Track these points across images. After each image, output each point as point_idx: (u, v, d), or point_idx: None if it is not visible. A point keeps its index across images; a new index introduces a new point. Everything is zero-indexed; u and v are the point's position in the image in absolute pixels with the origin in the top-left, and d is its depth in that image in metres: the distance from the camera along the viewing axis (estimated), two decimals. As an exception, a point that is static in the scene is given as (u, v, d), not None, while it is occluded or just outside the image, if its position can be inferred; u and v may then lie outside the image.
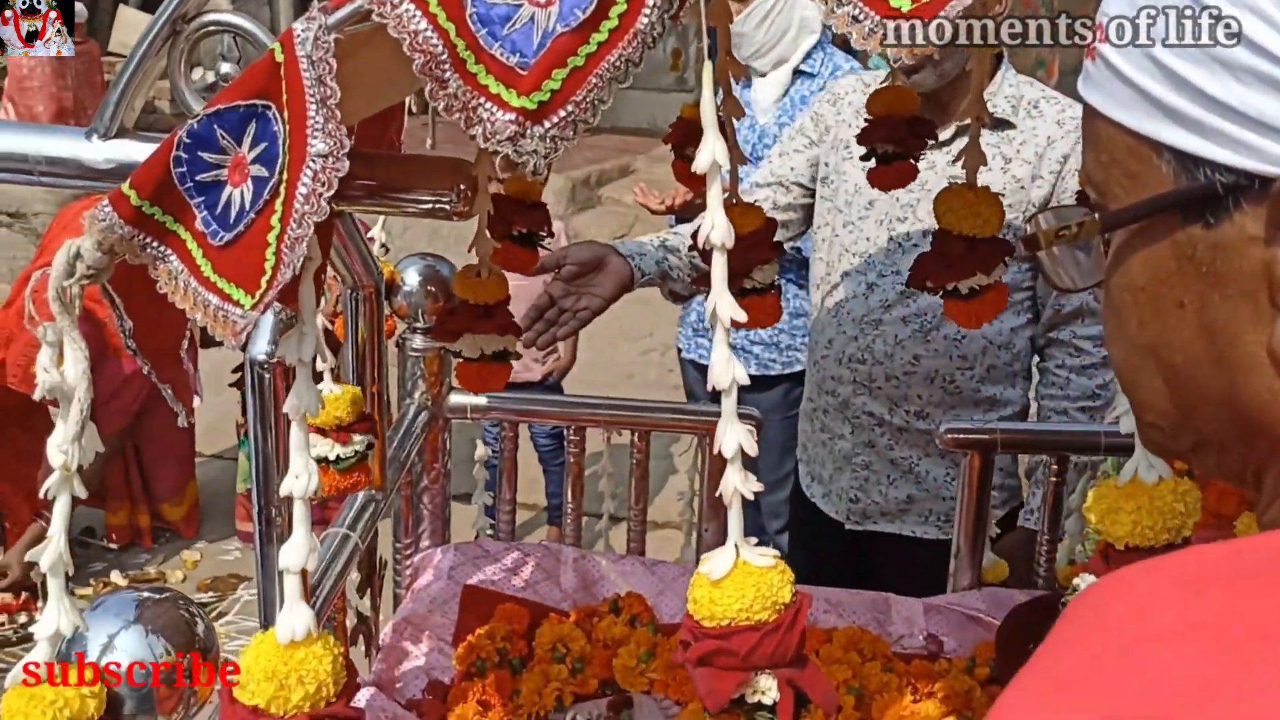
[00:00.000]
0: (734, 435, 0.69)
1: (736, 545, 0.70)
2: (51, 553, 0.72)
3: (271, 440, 1.07)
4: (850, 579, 1.85)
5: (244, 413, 3.09)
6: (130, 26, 8.62)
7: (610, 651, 1.58)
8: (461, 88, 0.62)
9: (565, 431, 1.76)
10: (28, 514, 3.40)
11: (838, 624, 1.69)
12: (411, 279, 1.66)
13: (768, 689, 0.69)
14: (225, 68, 0.83)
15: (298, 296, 0.75)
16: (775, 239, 1.27)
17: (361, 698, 1.41)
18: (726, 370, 0.70)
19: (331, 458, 1.22)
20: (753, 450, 0.69)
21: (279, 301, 0.77)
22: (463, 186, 0.88)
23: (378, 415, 1.40)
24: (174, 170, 0.67)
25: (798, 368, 2.81)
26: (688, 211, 2.75)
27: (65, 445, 0.70)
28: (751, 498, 0.69)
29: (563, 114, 0.61)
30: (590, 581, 1.73)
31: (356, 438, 1.23)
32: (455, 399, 1.72)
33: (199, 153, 0.67)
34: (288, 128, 0.64)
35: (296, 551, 0.73)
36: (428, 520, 1.75)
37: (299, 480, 0.73)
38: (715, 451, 0.70)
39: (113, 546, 3.72)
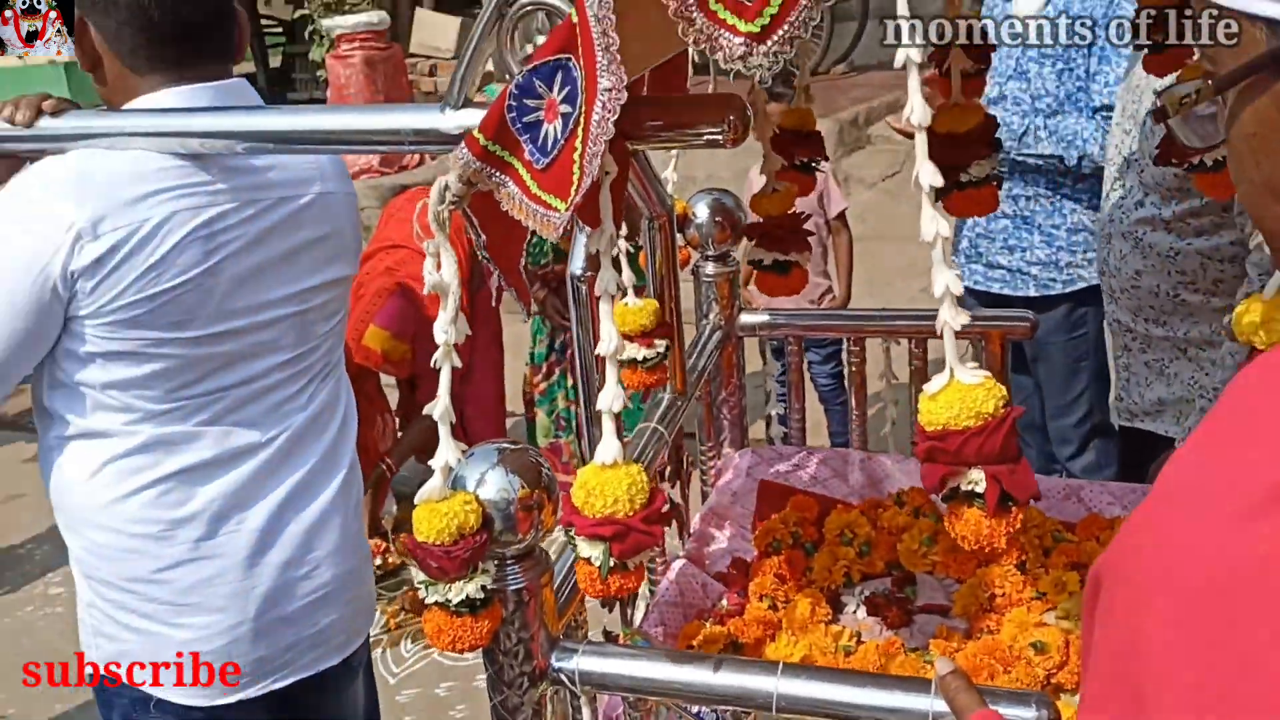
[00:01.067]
0: (943, 278, 0.85)
1: (952, 368, 0.86)
2: (440, 406, 0.99)
3: (589, 338, 1.32)
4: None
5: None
6: (428, 27, 9.31)
7: (894, 538, 1.74)
8: (705, 22, 0.82)
9: (845, 343, 1.93)
10: (366, 467, 3.89)
11: (1120, 515, 1.76)
12: (702, 212, 1.88)
13: (976, 480, 0.85)
14: (540, 39, 1.03)
15: (598, 214, 0.97)
16: (999, 137, 1.37)
17: (675, 567, 1.66)
18: (931, 224, 0.85)
19: (639, 358, 1.46)
20: (958, 289, 0.84)
21: (582, 218, 0.99)
22: (733, 118, 1.07)
23: (677, 324, 1.64)
24: (507, 115, 0.91)
25: (1079, 285, 2.79)
26: None
27: (446, 326, 0.97)
28: (958, 328, 0.85)
29: (780, 33, 0.78)
30: (876, 479, 1.90)
31: (657, 341, 1.46)
32: (745, 318, 1.92)
33: (524, 100, 0.91)
34: (583, 72, 0.86)
35: (610, 397, 0.96)
36: (727, 428, 1.98)
37: (608, 344, 0.96)
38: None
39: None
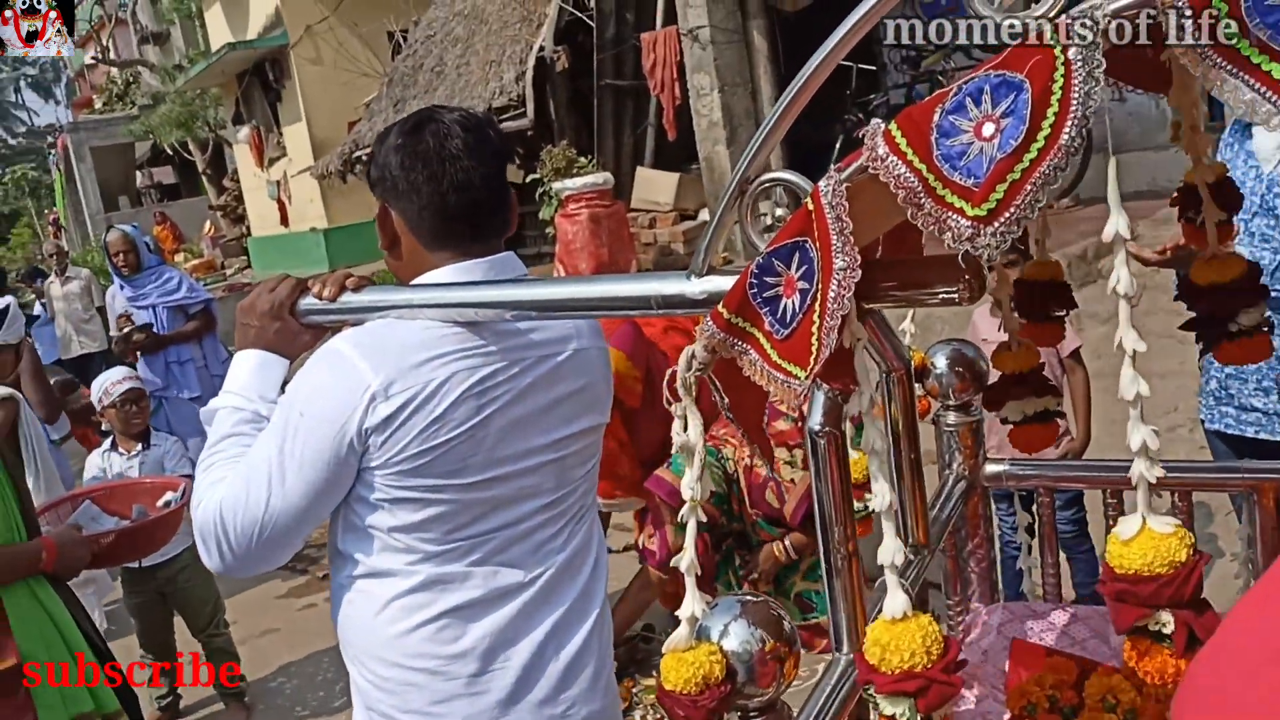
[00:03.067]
0: (1140, 433, 0.83)
1: (1144, 516, 0.84)
2: (686, 559, 1.03)
3: (829, 496, 1.33)
4: None
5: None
6: (647, 184, 9.76)
7: (1163, 706, 1.61)
8: (933, 207, 0.85)
9: (1104, 495, 1.84)
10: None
11: None
12: (940, 362, 1.88)
13: (1166, 622, 0.82)
14: (780, 211, 1.10)
15: (852, 377, 1.00)
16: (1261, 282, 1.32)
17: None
18: (1131, 385, 0.84)
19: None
20: (1154, 445, 0.83)
21: (825, 380, 1.04)
22: (968, 278, 1.10)
23: (913, 481, 1.62)
24: (748, 291, 0.98)
25: None
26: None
27: (691, 485, 1.02)
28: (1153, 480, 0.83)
29: (1006, 216, 0.81)
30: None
31: (867, 496, 1.45)
32: (991, 468, 1.88)
33: (764, 278, 0.97)
34: (819, 253, 0.92)
35: (892, 551, 0.98)
36: (975, 581, 1.92)
37: (881, 499, 0.98)
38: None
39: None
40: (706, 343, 1.00)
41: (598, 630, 1.77)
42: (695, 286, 1.29)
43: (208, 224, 21.06)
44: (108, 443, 4.24)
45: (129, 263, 5.81)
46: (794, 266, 0.95)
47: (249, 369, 1.72)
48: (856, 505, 1.41)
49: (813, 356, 0.91)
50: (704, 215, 8.99)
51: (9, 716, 2.26)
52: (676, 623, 1.03)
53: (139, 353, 5.65)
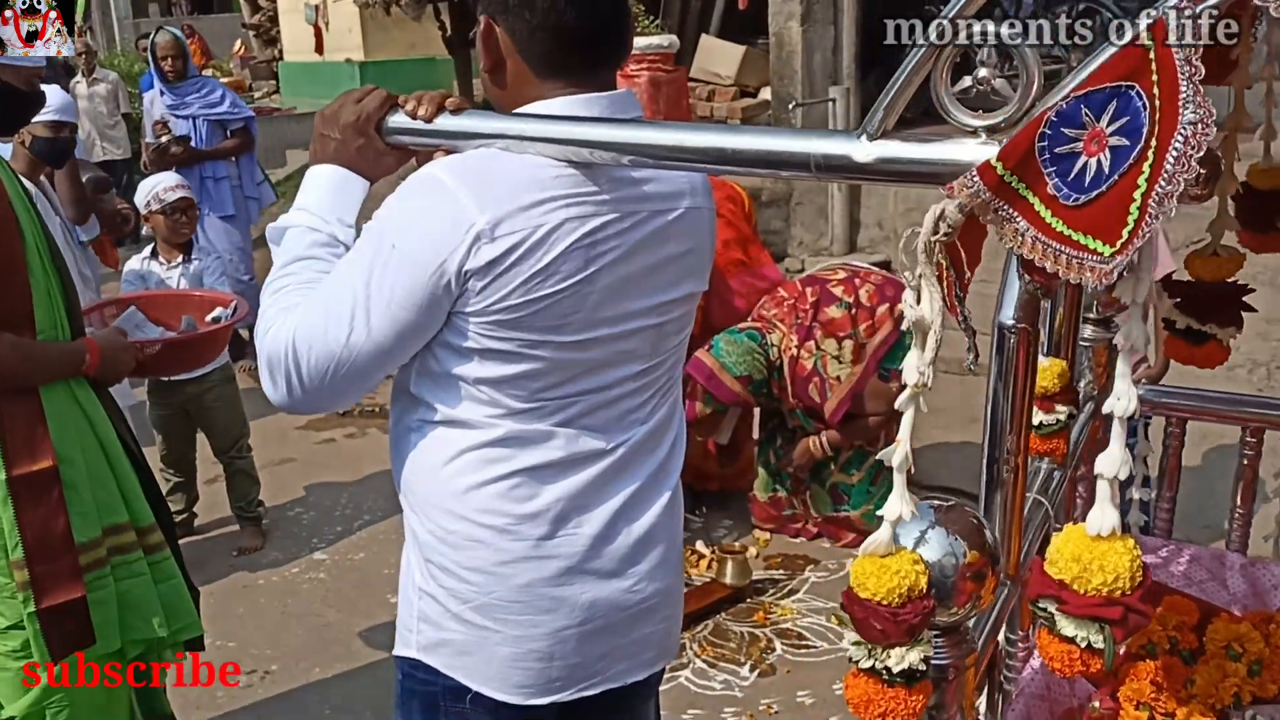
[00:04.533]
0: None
1: None
2: (900, 454, 0.90)
3: (1007, 399, 1.20)
4: None
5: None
6: (711, 53, 9.34)
7: (1292, 659, 1.52)
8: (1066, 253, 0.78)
9: (1243, 434, 1.71)
10: None
11: None
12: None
13: None
14: (982, 72, 0.95)
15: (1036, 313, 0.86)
16: None
17: (1034, 660, 1.51)
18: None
19: (1035, 423, 1.33)
20: None
21: (1031, 275, 0.89)
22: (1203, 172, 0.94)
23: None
24: (1036, 144, 0.82)
25: None
26: None
27: (921, 367, 0.88)
28: None
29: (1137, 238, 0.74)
30: (1261, 590, 1.68)
31: (1059, 407, 1.32)
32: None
33: (1062, 129, 0.81)
34: (1156, 102, 0.76)
35: (1112, 461, 0.85)
36: (1081, 509, 1.80)
37: (1120, 401, 0.84)
38: None
39: (700, 519, 4.14)
40: (967, 201, 0.85)
41: (671, 508, 1.67)
42: (866, 150, 1.11)
43: (238, 43, 20.42)
44: (147, 249, 4.09)
45: (175, 69, 5.57)
46: (1107, 118, 0.79)
47: (327, 186, 1.56)
48: (1040, 418, 1.28)
49: (1128, 229, 0.76)
50: (765, 93, 8.60)
51: (43, 519, 2.16)
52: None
53: (174, 166, 5.45)
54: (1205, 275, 1.37)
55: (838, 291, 3.81)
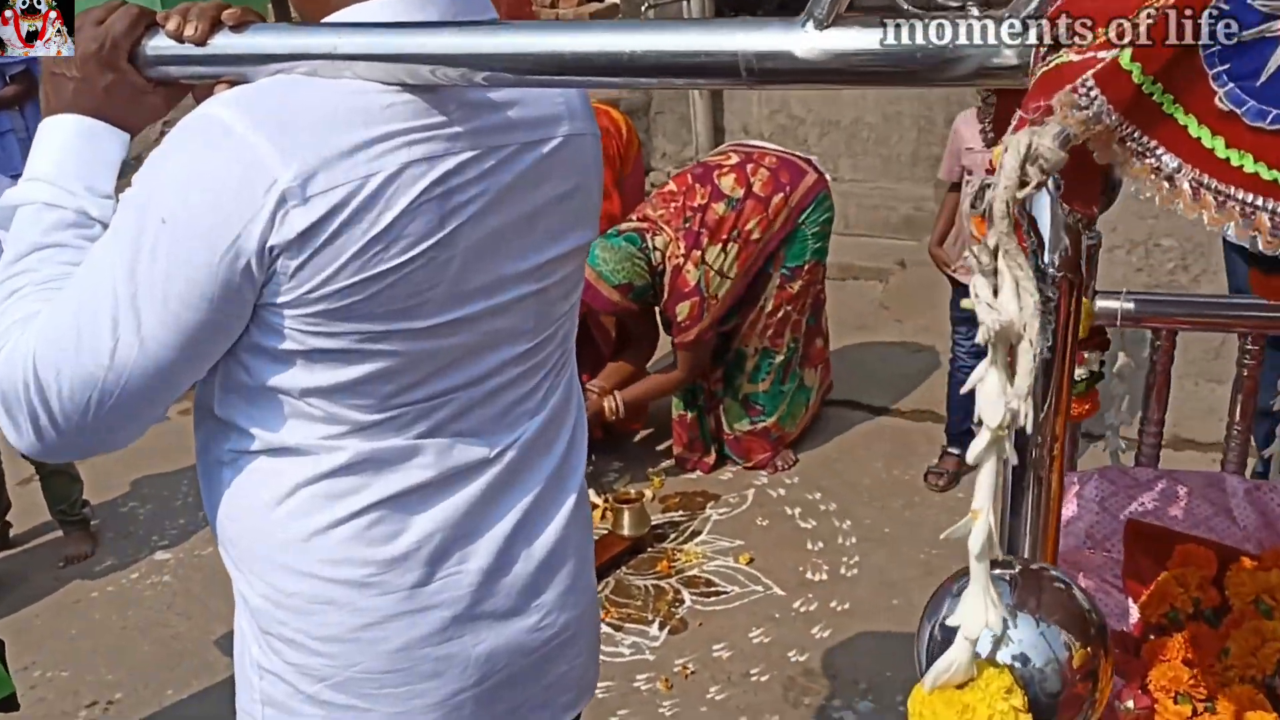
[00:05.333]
0: None
1: None
2: (980, 534, 0.58)
3: (1046, 372, 0.89)
4: None
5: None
6: None
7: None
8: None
9: (1241, 340, 1.47)
10: None
11: None
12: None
13: None
14: None
15: (1093, 197, 0.55)
16: None
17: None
18: None
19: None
20: None
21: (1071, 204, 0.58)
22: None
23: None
24: (1204, 26, 0.49)
25: None
26: None
27: (1015, 401, 0.55)
28: None
29: None
30: (1273, 518, 1.46)
31: (1089, 356, 1.03)
32: (1101, 304, 1.48)
33: (1248, 1, 0.48)
34: None
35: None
36: (1055, 442, 1.55)
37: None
38: None
39: (588, 467, 3.83)
40: (1078, 129, 0.51)
41: (578, 513, 1.35)
42: (812, 42, 0.83)
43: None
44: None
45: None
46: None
47: (69, 145, 1.13)
48: (1079, 371, 0.98)
49: None
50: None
51: None
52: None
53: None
54: None
55: (727, 185, 3.54)
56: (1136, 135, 0.52)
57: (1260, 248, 0.48)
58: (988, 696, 0.60)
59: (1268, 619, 1.28)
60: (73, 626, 3.35)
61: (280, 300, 1.04)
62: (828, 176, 3.71)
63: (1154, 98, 0.51)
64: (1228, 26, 0.48)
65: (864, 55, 0.84)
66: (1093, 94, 0.51)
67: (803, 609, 3.07)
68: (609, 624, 3.04)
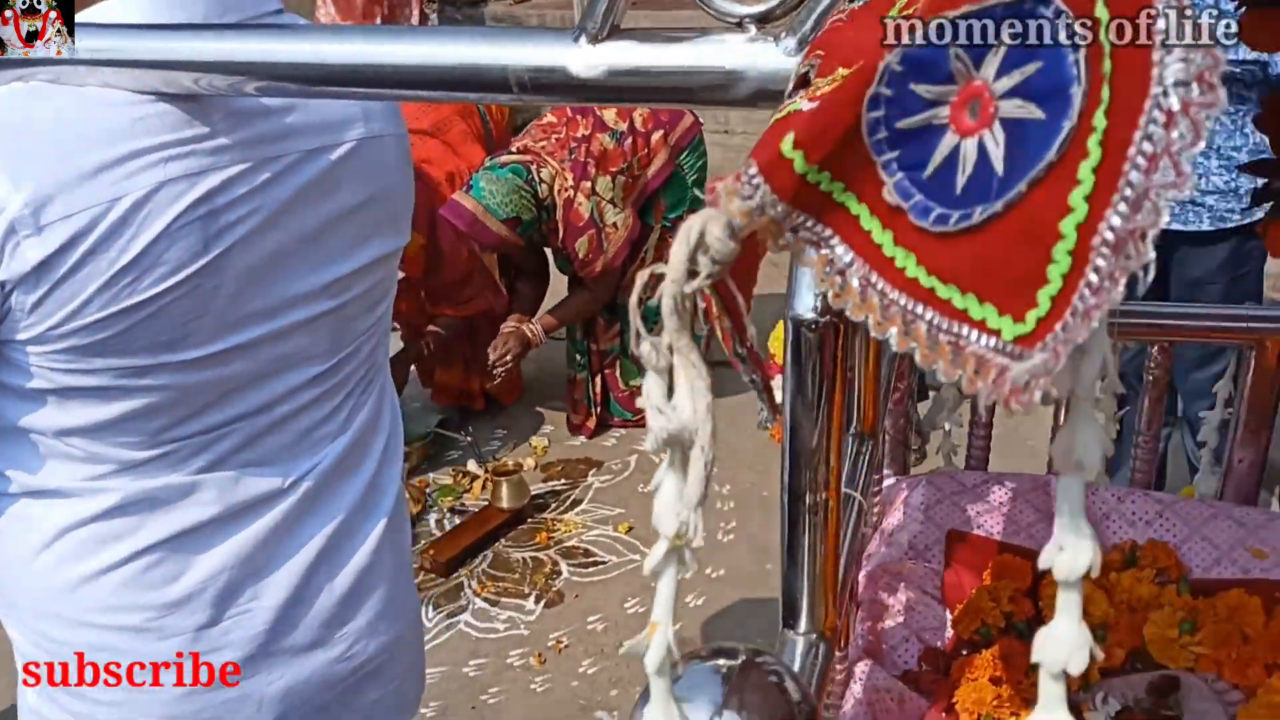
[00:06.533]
0: None
1: None
2: (658, 650, 0.53)
3: (810, 414, 0.84)
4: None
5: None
6: None
7: (1139, 616, 1.30)
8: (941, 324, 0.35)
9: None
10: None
11: None
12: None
13: None
14: None
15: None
16: None
17: (858, 674, 1.22)
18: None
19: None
20: None
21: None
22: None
23: (874, 348, 1.16)
24: (867, 115, 0.42)
25: (1257, 215, 2.37)
26: None
27: (686, 512, 0.50)
28: None
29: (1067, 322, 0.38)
30: (1094, 520, 1.44)
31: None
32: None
33: (910, 85, 0.41)
34: (1108, 35, 0.37)
35: (1058, 648, 0.49)
36: (888, 446, 1.52)
37: (1066, 557, 0.49)
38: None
39: (467, 439, 3.74)
40: (746, 221, 0.45)
41: (391, 535, 1.27)
42: (588, 57, 0.78)
43: None
44: None
45: None
46: (994, 63, 0.40)
47: None
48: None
49: (1051, 290, 0.38)
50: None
51: None
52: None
53: None
54: None
55: (610, 118, 3.43)
56: (810, 224, 0.46)
57: (920, 364, 0.42)
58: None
59: (1080, 631, 1.27)
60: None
61: (21, 338, 0.95)
62: (702, 122, 3.62)
63: (821, 187, 0.45)
64: (887, 114, 0.42)
65: (638, 73, 0.80)
66: (755, 182, 0.45)
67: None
68: (485, 599, 2.99)
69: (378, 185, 1.14)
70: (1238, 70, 2.25)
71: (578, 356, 3.73)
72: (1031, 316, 0.39)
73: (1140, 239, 0.36)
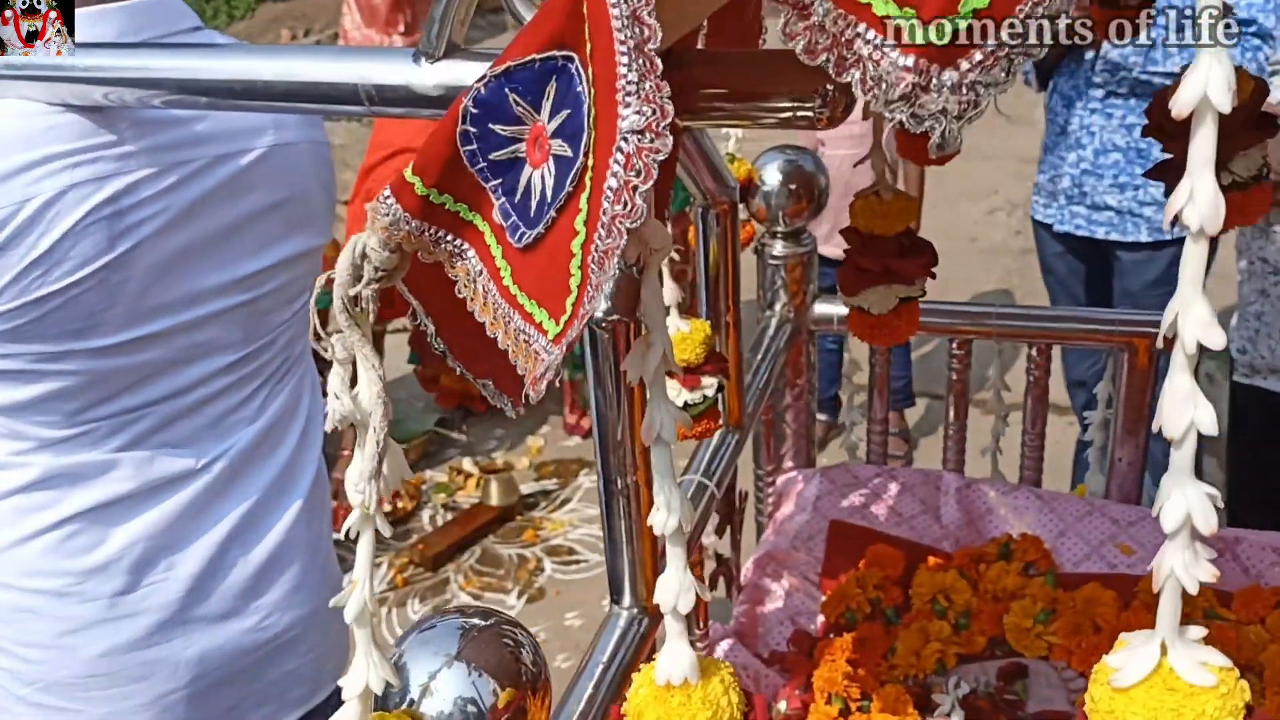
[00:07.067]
0: (1184, 501, 0.46)
1: (1164, 643, 0.48)
2: (356, 602, 0.62)
3: (613, 406, 0.94)
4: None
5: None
6: None
7: (1001, 605, 1.37)
8: (832, 13, 0.42)
9: (949, 345, 1.52)
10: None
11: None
12: (772, 177, 1.47)
13: None
14: None
15: (637, 302, 0.59)
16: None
17: (720, 650, 1.31)
18: (1183, 409, 0.46)
19: (679, 404, 1.08)
20: (1209, 527, 0.46)
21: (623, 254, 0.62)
22: (830, 88, 0.67)
23: (734, 346, 1.25)
24: (462, 149, 0.52)
25: None
26: None
27: (362, 484, 0.59)
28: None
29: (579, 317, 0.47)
30: (975, 516, 1.52)
31: (706, 380, 1.08)
32: (820, 309, 1.53)
33: (490, 124, 0.51)
34: (593, 89, 0.46)
35: (670, 590, 0.59)
36: (791, 439, 1.60)
37: (660, 515, 0.58)
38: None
39: (463, 437, 3.87)
40: (387, 235, 0.55)
41: (308, 516, 1.36)
42: (428, 75, 0.85)
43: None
44: None
45: None
46: (546, 108, 0.50)
47: None
48: (684, 397, 1.03)
49: (570, 298, 0.48)
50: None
51: None
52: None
53: None
54: (879, 229, 1.10)
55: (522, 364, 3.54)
56: (448, 238, 0.56)
57: (511, 358, 0.52)
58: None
59: (941, 619, 1.34)
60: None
61: None
62: None
63: (446, 207, 0.54)
64: (479, 147, 0.51)
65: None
66: (389, 203, 0.54)
67: (657, 577, 3.15)
68: (470, 593, 3.10)
69: (291, 189, 1.24)
70: (1169, 82, 2.31)
71: (575, 358, 3.82)
72: (562, 320, 0.48)
73: (608, 257, 0.45)
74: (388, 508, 3.38)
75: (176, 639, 1.25)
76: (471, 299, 0.56)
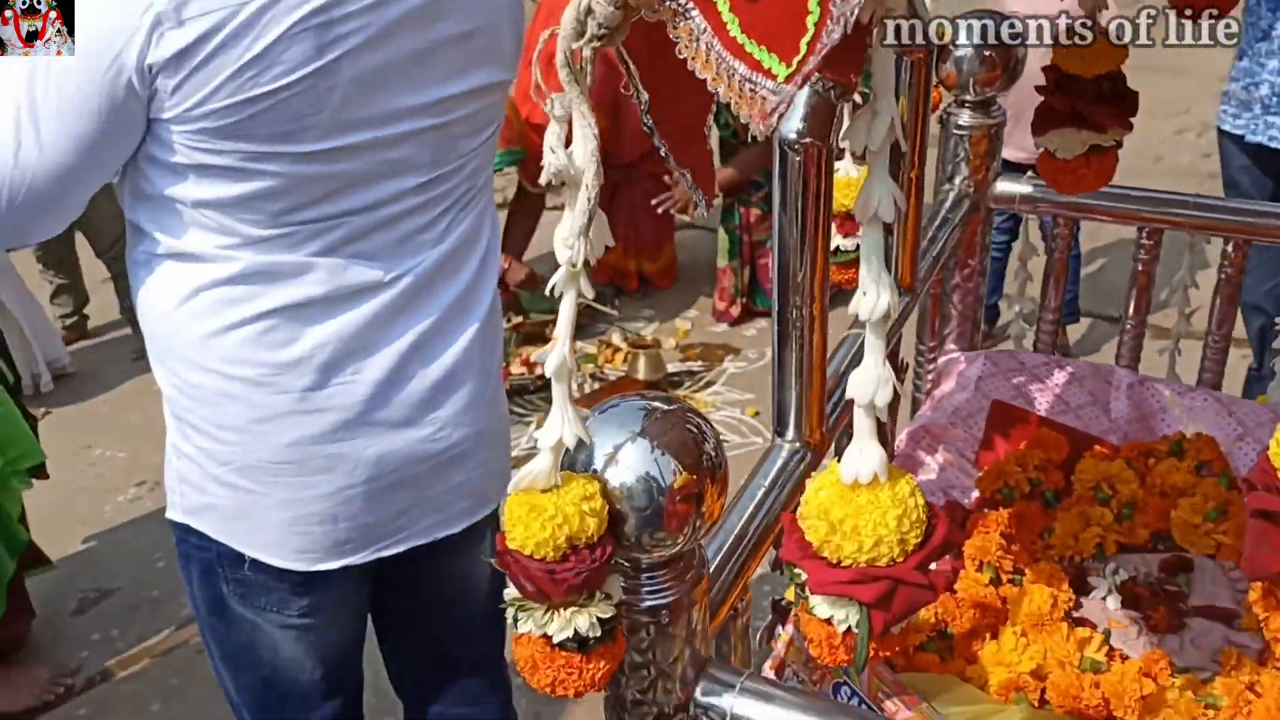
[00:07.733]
0: None
1: None
2: (556, 357, 0.65)
3: (796, 231, 0.93)
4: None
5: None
6: None
7: (1168, 501, 1.33)
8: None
9: (1138, 234, 1.45)
10: None
11: None
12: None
13: None
14: None
15: (853, 65, 0.58)
16: None
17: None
18: None
19: (832, 248, 1.06)
20: None
21: (824, 74, 0.61)
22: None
23: (914, 205, 1.22)
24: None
25: None
26: None
27: (571, 239, 0.61)
28: None
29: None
30: (1147, 413, 1.46)
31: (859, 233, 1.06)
32: (1001, 186, 1.47)
33: None
34: None
35: (867, 383, 0.59)
36: (955, 321, 1.57)
37: (869, 299, 0.58)
38: None
39: (615, 312, 3.90)
40: (615, -12, 0.55)
41: (482, 340, 1.41)
42: None
43: None
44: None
45: None
46: None
47: None
48: (839, 242, 1.02)
49: (806, 38, 0.47)
50: None
51: None
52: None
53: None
54: (1087, 70, 1.04)
55: (744, 113, 3.47)
56: (677, -1, 0.56)
57: (732, 108, 0.52)
58: (562, 499, 0.67)
59: (1104, 506, 1.31)
60: (134, 414, 3.63)
61: (165, 116, 1.13)
62: None
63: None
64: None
65: None
66: (623, -50, 0.54)
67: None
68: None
69: (481, 20, 1.26)
70: None
71: (729, 246, 3.81)
72: (795, 60, 0.48)
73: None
74: (528, 371, 3.48)
75: (359, 438, 1.33)
76: (693, 58, 0.56)
